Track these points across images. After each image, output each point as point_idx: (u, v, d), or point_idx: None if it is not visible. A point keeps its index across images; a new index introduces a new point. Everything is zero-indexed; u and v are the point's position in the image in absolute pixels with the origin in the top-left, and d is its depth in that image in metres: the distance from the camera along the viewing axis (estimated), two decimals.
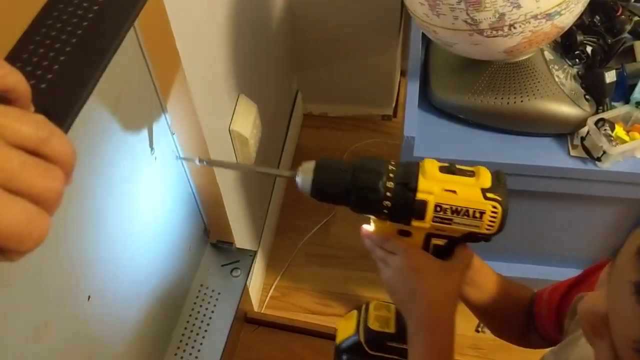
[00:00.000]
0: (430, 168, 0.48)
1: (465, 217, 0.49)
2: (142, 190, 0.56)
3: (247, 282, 1.14)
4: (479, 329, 1.41)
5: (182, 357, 0.68)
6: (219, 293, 0.74)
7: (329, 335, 0.97)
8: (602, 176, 0.86)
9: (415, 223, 0.49)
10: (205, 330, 0.70)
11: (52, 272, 0.44)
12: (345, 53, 1.60)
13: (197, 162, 0.51)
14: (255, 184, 1.33)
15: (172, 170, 0.61)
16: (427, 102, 0.96)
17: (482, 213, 0.49)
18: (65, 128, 0.34)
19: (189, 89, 0.63)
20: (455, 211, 0.49)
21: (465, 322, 1.43)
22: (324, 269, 1.56)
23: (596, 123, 0.84)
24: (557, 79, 0.87)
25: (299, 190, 0.51)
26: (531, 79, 0.87)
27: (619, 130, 0.85)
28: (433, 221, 0.49)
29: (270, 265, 1.57)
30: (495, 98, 0.88)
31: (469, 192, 0.48)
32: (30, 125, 0.28)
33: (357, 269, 1.55)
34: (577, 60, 0.92)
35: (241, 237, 1.04)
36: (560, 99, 0.86)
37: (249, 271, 0.75)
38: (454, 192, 0.48)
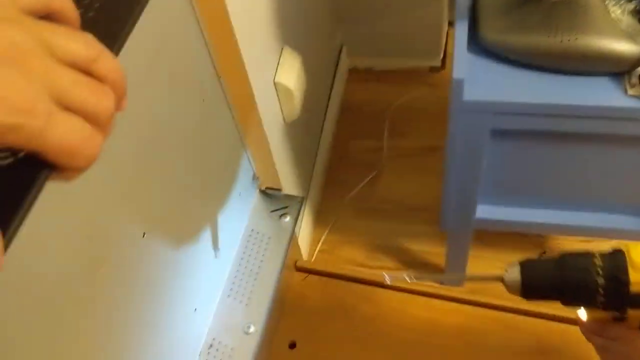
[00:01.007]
0: (638, 257, 0.48)
1: None
2: (191, 132, 0.57)
3: (296, 230, 1.16)
4: None
5: (235, 299, 0.70)
6: (269, 237, 0.75)
7: (377, 283, 0.98)
8: None
9: (631, 312, 0.50)
10: (257, 273, 0.72)
11: (108, 207, 0.45)
12: (390, 3, 1.57)
13: (406, 278, 0.59)
14: (300, 139, 1.33)
15: (220, 114, 0.62)
16: (475, 45, 0.93)
17: None
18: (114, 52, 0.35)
19: (235, 35, 0.63)
20: None
21: None
22: (371, 222, 1.57)
23: None
24: (613, 15, 0.83)
25: (508, 291, 0.54)
26: (585, 16, 0.83)
27: None
28: None
29: (319, 220, 1.58)
30: (548, 37, 0.84)
31: None
32: (80, 44, 0.28)
33: (405, 222, 1.55)
34: None
35: (289, 192, 1.05)
36: (617, 35, 0.82)
37: (298, 216, 0.76)
38: None
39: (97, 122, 0.29)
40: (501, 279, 0.54)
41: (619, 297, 0.48)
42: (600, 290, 0.48)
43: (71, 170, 0.30)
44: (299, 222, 1.44)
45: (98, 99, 0.29)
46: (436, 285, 1.43)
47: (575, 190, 1.07)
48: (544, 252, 1.42)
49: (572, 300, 0.51)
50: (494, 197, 1.11)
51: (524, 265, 0.53)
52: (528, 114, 0.88)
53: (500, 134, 0.95)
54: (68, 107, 0.27)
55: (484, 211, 1.13)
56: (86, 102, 0.28)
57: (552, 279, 0.50)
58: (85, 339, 0.46)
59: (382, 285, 0.98)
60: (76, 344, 0.44)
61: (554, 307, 0.95)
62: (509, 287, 0.54)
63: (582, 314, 0.55)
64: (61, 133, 0.27)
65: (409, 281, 0.62)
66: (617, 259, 0.48)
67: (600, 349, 0.55)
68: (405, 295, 0.97)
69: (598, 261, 0.49)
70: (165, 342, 0.60)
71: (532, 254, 1.42)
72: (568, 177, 1.03)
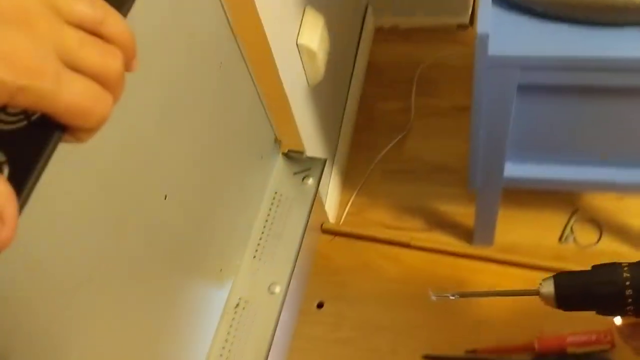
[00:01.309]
0: None
1: None
2: (210, 95, 0.57)
3: (324, 194, 1.16)
4: (563, 239, 1.38)
5: (260, 259, 0.72)
6: (292, 199, 0.76)
7: (403, 243, 0.98)
8: None
9: None
10: (281, 234, 0.73)
11: (130, 170, 0.46)
12: None
13: (450, 296, 0.61)
14: (325, 101, 1.33)
15: (238, 77, 0.62)
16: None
17: None
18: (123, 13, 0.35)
19: None
20: None
21: (546, 232, 1.41)
22: (399, 184, 1.56)
23: None
24: None
25: (545, 304, 0.58)
26: None
27: None
28: None
29: (346, 183, 1.58)
30: None
31: None
32: (87, 5, 0.28)
33: (434, 183, 1.54)
34: None
35: (315, 155, 1.05)
36: None
37: (320, 178, 0.76)
38: None
39: (106, 83, 0.29)
40: (537, 293, 0.58)
41: None
42: (629, 300, 0.51)
43: (83, 131, 0.30)
44: (326, 185, 1.45)
45: (106, 60, 0.29)
46: (463, 244, 1.43)
47: (605, 145, 1.04)
48: (576, 210, 1.39)
49: (604, 311, 0.54)
50: (523, 155, 1.09)
51: (557, 279, 0.56)
52: (555, 68, 0.85)
53: (527, 89, 0.92)
54: (76, 69, 0.28)
55: (513, 169, 1.11)
56: (94, 63, 0.28)
57: (583, 292, 0.54)
58: (111, 302, 0.48)
59: (408, 246, 0.98)
60: (101, 306, 0.46)
61: (579, 263, 0.94)
62: (545, 300, 0.57)
63: (617, 319, 0.57)
64: (70, 94, 0.27)
65: (451, 298, 0.65)
66: None
67: (636, 352, 0.57)
68: (432, 255, 0.97)
69: (625, 273, 0.52)
70: (192, 302, 0.62)
71: (564, 214, 1.40)
72: (598, 132, 1.00)
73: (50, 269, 0.39)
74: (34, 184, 0.29)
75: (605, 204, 1.41)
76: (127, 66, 0.32)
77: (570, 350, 0.85)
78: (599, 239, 1.36)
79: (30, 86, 0.26)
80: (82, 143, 0.31)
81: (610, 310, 0.54)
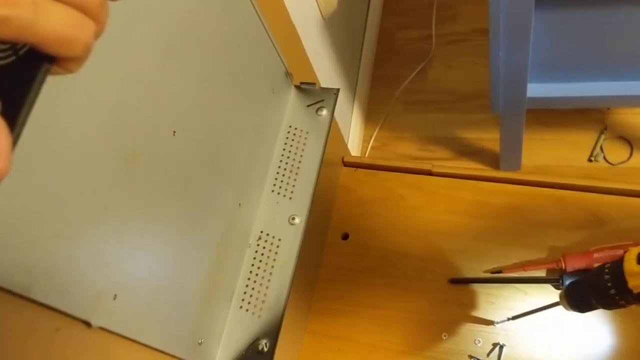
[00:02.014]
0: (629, 267, 0.57)
1: None
2: (213, 28, 0.57)
3: (346, 128, 1.15)
4: (592, 158, 1.35)
5: (278, 193, 0.72)
6: (307, 132, 0.75)
7: (424, 171, 0.97)
8: None
9: None
10: (298, 167, 0.73)
11: (138, 105, 0.47)
12: None
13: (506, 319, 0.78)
14: (342, 34, 1.30)
15: (241, 8, 0.61)
16: None
17: None
18: None
19: None
20: None
21: (575, 152, 1.38)
22: (423, 115, 1.54)
23: None
24: None
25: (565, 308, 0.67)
26: None
27: None
28: None
29: (369, 117, 1.57)
30: None
31: None
32: None
33: (458, 111, 1.52)
34: None
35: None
36: None
37: (334, 108, 0.76)
38: None
39: (87, 11, 0.30)
40: (558, 303, 0.67)
41: (633, 299, 0.57)
42: (617, 298, 0.58)
43: (71, 61, 0.31)
44: (348, 121, 1.44)
45: None
46: (484, 167, 1.42)
47: (630, 58, 1.00)
48: (605, 128, 1.36)
49: (604, 304, 0.61)
50: (546, 74, 1.06)
51: (569, 284, 0.66)
52: None
53: (546, 1, 0.88)
54: None
55: (536, 89, 1.08)
56: None
57: (582, 290, 0.64)
58: (131, 234, 0.49)
59: (429, 173, 0.98)
60: (120, 237, 0.48)
61: (608, 180, 0.92)
62: (562, 304, 0.67)
63: None
64: (50, 22, 0.28)
65: (507, 320, 0.80)
66: (617, 269, 0.58)
67: None
68: (454, 180, 0.96)
69: (606, 274, 0.59)
70: (213, 236, 0.63)
71: (593, 133, 1.36)
72: (621, 44, 0.95)
73: (65, 199, 0.40)
74: (27, 115, 0.30)
75: (635, 119, 1.36)
76: None
77: (597, 265, 0.85)
78: (630, 156, 1.33)
79: (8, 17, 0.26)
80: (73, 73, 0.32)
81: (609, 305, 0.61)
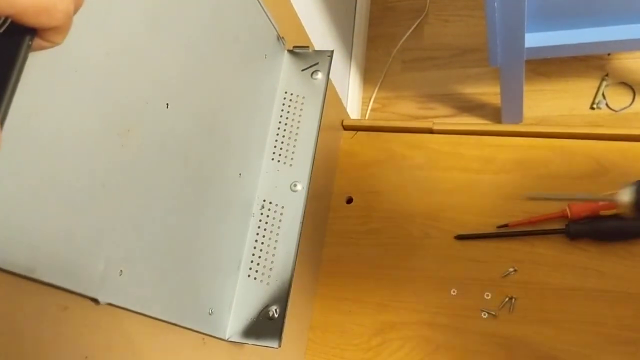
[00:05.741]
0: None
1: None
2: None
3: (344, 91, 1.14)
4: (594, 106, 1.34)
5: (279, 161, 0.72)
6: (303, 97, 0.74)
7: (424, 129, 0.96)
8: None
9: None
10: (297, 134, 0.73)
11: (128, 79, 0.46)
12: None
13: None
14: None
15: None
16: None
17: None
18: None
19: None
20: None
21: (577, 100, 1.36)
22: (422, 72, 1.52)
23: None
24: None
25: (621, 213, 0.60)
26: None
27: None
28: None
29: (367, 78, 1.55)
30: None
31: None
32: None
33: (457, 66, 1.50)
34: None
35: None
36: None
37: (329, 70, 0.75)
38: None
39: None
40: (614, 200, 0.60)
41: None
42: None
43: (52, 32, 0.30)
44: (345, 84, 1.42)
45: None
46: (486, 122, 1.40)
47: (629, 0, 0.97)
48: (606, 75, 1.34)
49: None
50: (543, 22, 1.03)
51: (637, 185, 0.58)
52: None
53: None
54: None
55: (534, 39, 1.07)
56: None
57: None
58: (133, 208, 0.49)
59: (430, 131, 0.97)
60: (122, 212, 0.47)
61: (612, 127, 0.91)
62: (621, 207, 0.59)
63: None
64: None
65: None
66: None
67: None
68: (456, 137, 0.95)
69: None
70: (216, 207, 0.63)
71: (594, 80, 1.35)
72: None
73: (60, 178, 0.40)
74: (12, 93, 0.30)
75: (636, 64, 1.34)
76: None
77: (602, 213, 0.84)
78: (633, 101, 1.31)
79: None
80: (58, 45, 0.31)
81: None
